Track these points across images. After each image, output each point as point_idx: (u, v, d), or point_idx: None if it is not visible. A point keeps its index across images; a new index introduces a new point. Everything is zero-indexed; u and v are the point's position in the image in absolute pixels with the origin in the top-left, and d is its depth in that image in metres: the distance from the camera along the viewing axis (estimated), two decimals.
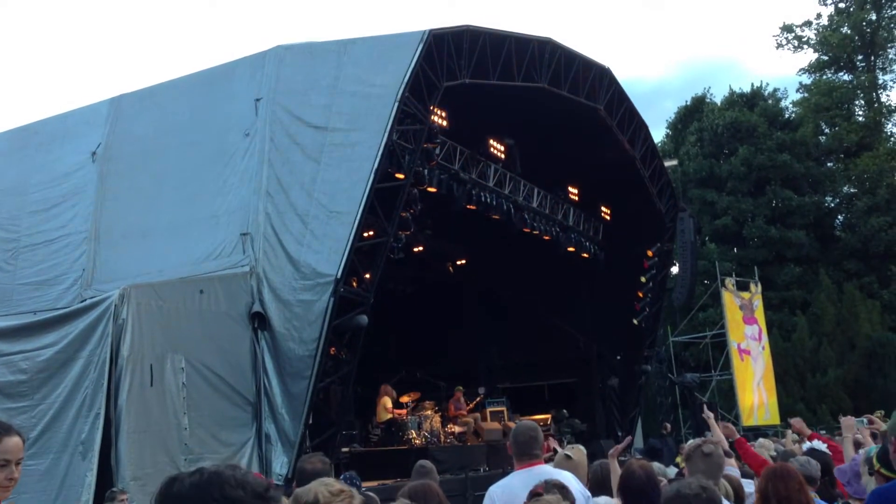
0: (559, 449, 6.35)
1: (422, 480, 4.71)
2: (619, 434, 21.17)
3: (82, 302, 11.60)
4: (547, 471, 4.76)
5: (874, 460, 4.52)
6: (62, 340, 10.49)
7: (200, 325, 11.12)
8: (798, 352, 30.39)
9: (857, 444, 7.61)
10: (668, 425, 21.73)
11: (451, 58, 13.88)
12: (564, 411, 19.27)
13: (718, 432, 6.84)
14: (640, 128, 19.39)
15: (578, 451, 5.82)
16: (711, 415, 7.50)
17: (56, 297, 12.93)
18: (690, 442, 5.33)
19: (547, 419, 19.12)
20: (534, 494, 3.05)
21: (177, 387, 10.42)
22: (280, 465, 11.41)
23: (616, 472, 5.64)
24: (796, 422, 7.82)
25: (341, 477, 5.56)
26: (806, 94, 39.84)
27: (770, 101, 39.28)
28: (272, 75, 13.32)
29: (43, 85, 79.29)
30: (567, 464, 5.22)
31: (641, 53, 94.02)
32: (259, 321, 11.78)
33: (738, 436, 7.09)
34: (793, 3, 70.61)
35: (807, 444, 8.56)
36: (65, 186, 14.26)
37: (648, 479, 4.54)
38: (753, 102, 38.59)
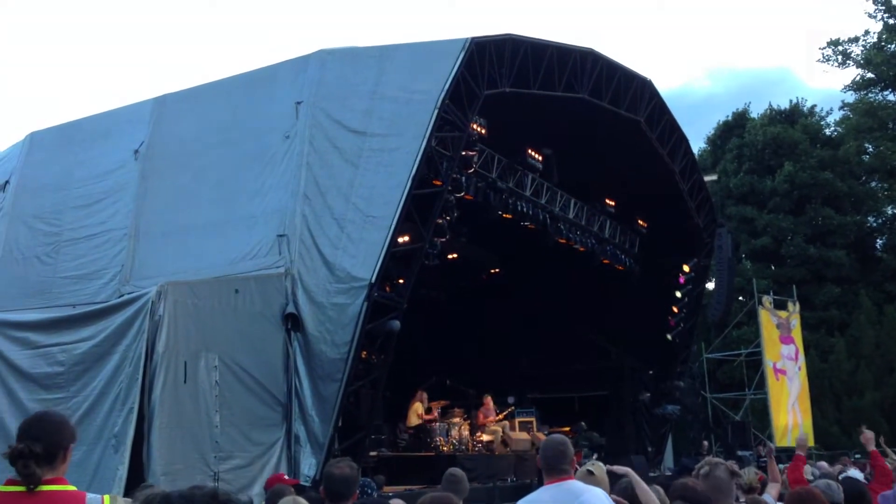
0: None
1: (441, 493, 4.67)
2: (650, 450, 20.98)
3: (120, 297, 11.76)
4: (577, 487, 4.71)
5: None
6: (99, 334, 10.63)
7: (235, 324, 11.21)
8: (835, 374, 29.89)
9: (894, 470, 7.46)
10: (706, 443, 21.44)
11: (493, 66, 13.89)
12: (583, 424, 19.11)
13: (776, 471, 6.74)
14: (681, 141, 19.23)
15: (599, 468, 5.75)
16: (772, 452, 7.40)
17: (95, 291, 13.10)
18: (699, 464, 5.26)
19: (583, 431, 18.98)
20: None
21: (210, 384, 10.51)
22: (308, 466, 11.44)
23: (645, 490, 5.54)
24: (865, 435, 7.63)
25: (360, 483, 5.55)
26: (848, 113, 39.23)
27: (811, 119, 38.75)
28: (314, 79, 13.41)
29: (89, 83, 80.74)
30: (589, 479, 5.16)
31: (688, 64, 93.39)
32: (292, 322, 11.84)
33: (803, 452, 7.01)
34: (846, 18, 69.60)
35: (845, 473, 8.42)
36: (107, 183, 14.47)
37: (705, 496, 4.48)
38: (793, 119, 38.11)
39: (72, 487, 3.09)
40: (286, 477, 8.73)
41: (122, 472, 9.62)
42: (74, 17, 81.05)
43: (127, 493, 9.36)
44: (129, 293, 11.67)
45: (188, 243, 13.06)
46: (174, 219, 13.53)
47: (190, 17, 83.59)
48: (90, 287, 13.31)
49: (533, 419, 18.72)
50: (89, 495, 3.08)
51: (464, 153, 13.80)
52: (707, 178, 24.09)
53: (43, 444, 3.00)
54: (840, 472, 8.89)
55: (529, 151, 16.82)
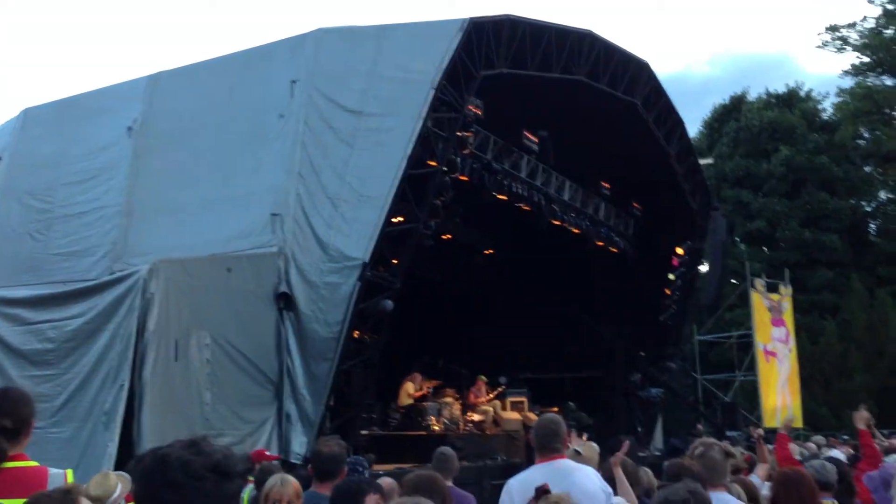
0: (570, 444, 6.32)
1: (427, 472, 4.70)
2: (639, 430, 21.09)
3: (112, 274, 11.73)
4: (568, 466, 4.73)
5: None
6: (90, 311, 10.62)
7: (227, 302, 11.21)
8: (825, 356, 30.05)
9: (887, 451, 7.50)
10: (700, 427, 21.57)
11: (490, 47, 13.81)
12: (571, 404, 19.18)
13: (766, 453, 6.78)
14: (677, 124, 19.19)
15: (589, 448, 5.78)
16: (761, 437, 7.40)
17: (86, 268, 13.07)
18: (693, 444, 5.29)
19: (571, 411, 19.07)
20: (542, 492, 3.03)
21: (201, 362, 10.52)
22: (299, 444, 11.49)
23: (622, 480, 5.55)
24: (860, 415, 7.58)
25: (348, 461, 5.58)
26: (846, 98, 39.21)
27: (809, 103, 38.71)
28: (310, 58, 13.33)
29: (84, 59, 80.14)
30: (577, 459, 5.19)
31: (690, 48, 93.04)
32: (285, 301, 11.85)
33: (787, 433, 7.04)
34: (846, 3, 69.21)
35: (826, 453, 8.49)
36: (100, 160, 14.39)
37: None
38: (790, 103, 38.06)
39: (34, 463, 3.05)
40: (267, 453, 8.77)
41: (112, 449, 9.63)
42: None
43: (117, 470, 9.40)
44: (120, 271, 11.65)
45: (181, 221, 13.02)
46: (167, 196, 13.48)
47: None
48: (82, 264, 13.27)
49: (524, 399, 18.78)
50: (52, 471, 3.05)
51: (459, 134, 13.74)
52: (703, 162, 24.05)
53: (12, 420, 2.97)
54: (820, 449, 8.95)
55: (525, 133, 16.76)
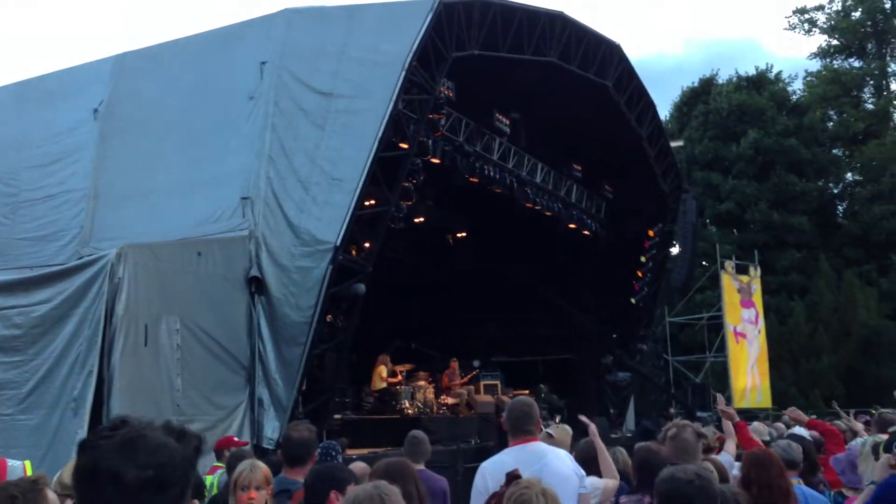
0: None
1: (397, 458, 4.68)
2: (612, 412, 21.26)
3: (79, 259, 11.56)
4: (541, 448, 4.73)
5: (881, 449, 4.54)
6: (57, 297, 10.45)
7: (197, 287, 11.08)
8: (794, 337, 30.44)
9: (854, 434, 7.61)
10: (673, 410, 21.79)
11: (461, 28, 13.73)
12: (542, 386, 19.29)
13: (730, 424, 6.85)
14: (648, 107, 19.25)
15: (562, 431, 5.80)
16: (724, 404, 7.50)
17: (53, 253, 12.86)
18: (666, 426, 5.33)
19: (541, 394, 19.16)
20: (513, 478, 3.02)
21: (171, 348, 10.41)
22: (272, 429, 11.43)
23: (602, 449, 5.61)
24: (791, 411, 7.85)
25: (320, 446, 5.54)
26: (814, 80, 39.57)
27: (779, 85, 38.99)
28: (279, 39, 13.18)
29: (46, 40, 78.74)
30: (549, 442, 5.20)
31: (661, 30, 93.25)
32: (256, 286, 11.75)
33: (737, 419, 7.11)
34: None
35: (791, 430, 8.58)
36: (65, 143, 14.15)
37: (667, 457, 4.56)
38: (760, 86, 38.32)
39: None
40: (236, 439, 8.71)
41: (82, 435, 9.48)
42: None
43: None
44: (88, 255, 11.47)
45: (149, 205, 12.85)
46: (135, 180, 13.28)
47: None
48: (48, 249, 13.06)
49: (498, 382, 18.84)
50: (10, 462, 3.01)
51: (431, 116, 13.69)
52: (674, 144, 24.20)
53: None
54: (787, 431, 9.05)
55: (497, 115, 16.73)
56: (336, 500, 3.81)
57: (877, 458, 4.60)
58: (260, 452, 10.01)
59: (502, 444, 5.10)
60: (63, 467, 2.97)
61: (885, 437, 4.83)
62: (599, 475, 5.51)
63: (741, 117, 36.50)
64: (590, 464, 5.47)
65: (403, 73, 12.35)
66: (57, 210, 13.51)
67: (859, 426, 8.33)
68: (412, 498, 4.09)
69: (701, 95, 39.71)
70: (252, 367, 11.57)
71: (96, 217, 13.08)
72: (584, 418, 6.08)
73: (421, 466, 5.96)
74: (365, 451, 11.43)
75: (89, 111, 14.09)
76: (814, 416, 10.08)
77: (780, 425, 12.60)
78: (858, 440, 6.02)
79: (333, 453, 5.99)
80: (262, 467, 4.50)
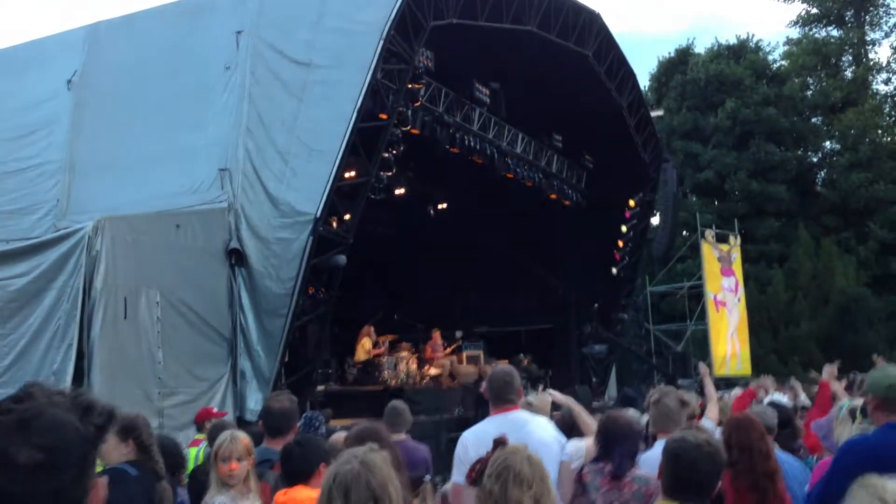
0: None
1: (370, 425, 4.68)
2: (594, 380, 21.42)
3: (56, 232, 11.44)
4: (522, 417, 4.74)
5: (858, 413, 4.59)
6: (34, 270, 10.36)
7: (176, 259, 11.02)
8: (773, 304, 30.69)
9: (834, 398, 7.69)
10: (656, 379, 21.97)
11: None
12: (521, 355, 19.38)
13: (711, 389, 6.91)
14: (628, 76, 19.20)
15: (542, 398, 5.81)
16: (707, 371, 7.58)
17: (29, 226, 12.70)
18: (650, 392, 5.37)
19: (520, 363, 19.25)
20: (499, 443, 3.02)
21: (151, 321, 10.35)
22: (255, 401, 11.43)
23: (581, 417, 5.65)
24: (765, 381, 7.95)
25: (303, 416, 5.53)
26: (793, 49, 39.56)
27: (759, 54, 38.94)
28: (254, 8, 13.01)
29: (17, 10, 77.29)
30: (529, 410, 5.21)
31: (645, 4, 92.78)
32: (236, 258, 11.70)
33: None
34: None
35: (768, 397, 8.68)
36: (39, 114, 13.93)
37: (631, 427, 4.58)
38: (740, 55, 38.26)
39: None
40: (215, 410, 8.70)
41: None
42: None
43: None
44: (65, 228, 11.35)
45: (126, 177, 12.71)
46: (111, 151, 13.12)
47: None
48: (24, 222, 12.90)
49: (480, 352, 18.91)
50: None
51: (410, 86, 13.58)
52: (654, 114, 24.17)
53: None
54: (764, 397, 9.14)
55: (477, 85, 16.62)
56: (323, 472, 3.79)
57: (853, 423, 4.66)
58: (243, 425, 10.00)
59: (481, 414, 5.10)
60: None
61: (860, 401, 4.88)
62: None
63: (719, 87, 36.47)
64: (571, 431, 5.51)
65: (381, 43, 12.23)
66: (32, 183, 13.33)
67: (840, 389, 8.42)
68: None
69: (678, 66, 39.58)
70: (233, 339, 11.55)
71: (72, 189, 12.93)
72: (553, 393, 6.10)
73: (402, 436, 5.97)
74: (348, 421, 11.43)
75: (63, 82, 13.87)
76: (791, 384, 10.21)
77: (760, 392, 12.71)
78: (837, 405, 6.09)
79: (317, 423, 5.98)
80: (243, 438, 4.46)
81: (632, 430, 4.60)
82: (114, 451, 4.01)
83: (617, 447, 4.43)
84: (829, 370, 7.78)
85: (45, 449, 1.42)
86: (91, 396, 1.57)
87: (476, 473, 3.01)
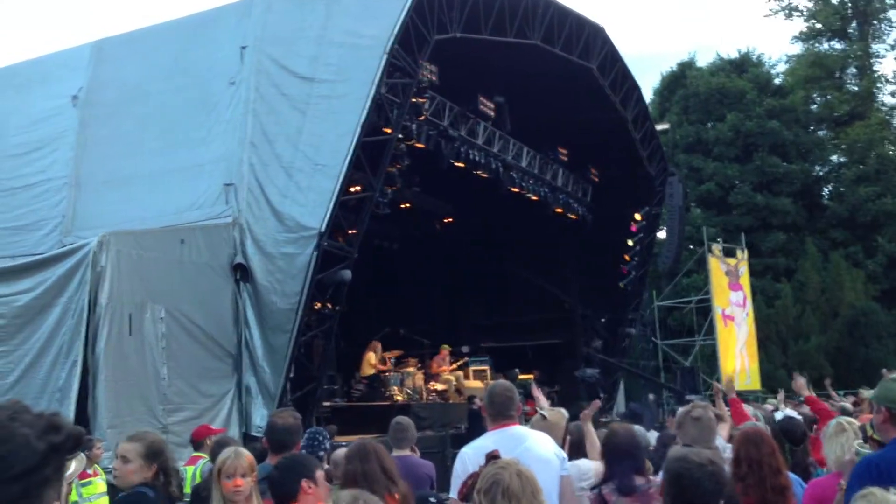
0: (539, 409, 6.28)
1: (364, 439, 4.64)
2: (602, 396, 21.26)
3: (61, 248, 11.44)
4: (521, 432, 4.68)
5: (868, 427, 4.49)
6: (40, 286, 10.35)
7: (181, 275, 11.00)
8: (781, 319, 30.52)
9: (843, 412, 7.62)
10: (652, 396, 21.83)
11: (443, 10, 13.62)
12: (516, 370, 19.24)
13: (723, 406, 6.85)
14: (633, 89, 19.19)
15: (557, 414, 5.74)
16: (719, 390, 7.51)
17: (35, 242, 12.73)
18: (681, 409, 5.29)
19: (529, 378, 19.12)
20: (491, 457, 2.98)
21: (156, 336, 10.32)
22: (260, 417, 11.36)
23: (591, 434, 5.59)
24: (799, 382, 7.80)
25: (307, 432, 5.47)
26: (795, 65, 39.53)
27: (762, 68, 38.93)
28: (258, 23, 13.05)
29: (23, 28, 77.92)
30: (542, 425, 5.15)
31: (647, 22, 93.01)
32: (241, 273, 11.67)
33: (733, 394, 7.13)
34: None
35: (781, 413, 8.59)
36: (44, 130, 13.99)
37: (632, 440, 4.52)
38: (742, 68, 38.26)
39: None
40: (213, 427, 8.62)
41: None
42: None
43: None
44: (70, 244, 11.35)
45: (131, 193, 12.73)
46: (116, 167, 13.15)
47: None
48: (30, 238, 12.93)
49: (487, 368, 18.82)
50: None
51: (414, 100, 13.58)
52: (659, 127, 24.13)
53: None
54: (774, 411, 9.06)
55: (481, 99, 16.62)
56: (308, 487, 3.74)
57: (864, 439, 4.57)
58: (249, 441, 9.94)
59: (474, 429, 5.04)
60: None
61: (849, 417, 4.81)
62: (587, 457, 5.48)
63: (721, 100, 36.45)
64: (580, 447, 5.47)
65: (385, 57, 12.24)
66: (38, 199, 13.37)
67: (848, 405, 8.35)
68: (375, 474, 4.06)
69: (680, 80, 39.59)
70: (239, 354, 11.50)
71: (78, 205, 12.96)
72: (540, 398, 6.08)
73: (406, 452, 5.91)
74: (354, 438, 11.37)
75: (68, 98, 13.94)
76: (800, 400, 10.10)
77: (768, 407, 12.61)
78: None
79: (321, 438, 5.91)
80: (246, 454, 4.41)
81: (633, 443, 4.55)
82: (137, 473, 4.08)
83: (618, 465, 4.39)
84: (799, 382, 7.74)
85: None
86: (63, 419, 1.52)
87: (467, 488, 2.97)
